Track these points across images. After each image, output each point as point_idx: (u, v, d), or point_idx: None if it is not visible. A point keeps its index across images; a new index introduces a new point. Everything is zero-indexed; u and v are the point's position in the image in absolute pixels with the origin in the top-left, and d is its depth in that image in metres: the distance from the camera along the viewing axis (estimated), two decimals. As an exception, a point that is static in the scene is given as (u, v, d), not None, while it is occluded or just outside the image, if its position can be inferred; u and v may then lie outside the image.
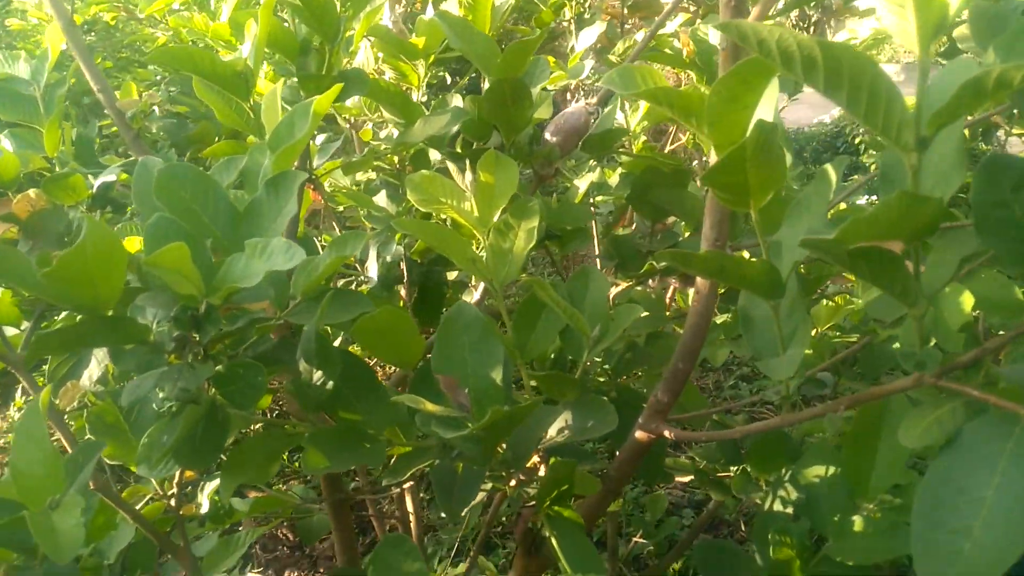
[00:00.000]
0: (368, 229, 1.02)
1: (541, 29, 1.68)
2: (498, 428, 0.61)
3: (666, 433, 0.80)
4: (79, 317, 0.56)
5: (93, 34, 3.99)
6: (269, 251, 0.53)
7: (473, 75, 1.58)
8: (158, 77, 3.14)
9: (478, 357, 0.64)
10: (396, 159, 1.13)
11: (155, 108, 1.06)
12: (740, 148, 0.53)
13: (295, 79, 0.90)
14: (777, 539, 0.81)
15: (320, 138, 1.35)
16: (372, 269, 1.12)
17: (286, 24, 0.89)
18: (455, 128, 0.96)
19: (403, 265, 1.10)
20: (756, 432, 0.70)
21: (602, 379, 0.99)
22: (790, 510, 0.86)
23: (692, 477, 1.16)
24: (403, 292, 1.14)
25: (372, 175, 1.26)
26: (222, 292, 0.55)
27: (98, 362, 0.77)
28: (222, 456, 0.68)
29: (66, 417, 0.72)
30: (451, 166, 0.85)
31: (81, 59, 0.93)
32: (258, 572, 2.41)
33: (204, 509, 0.75)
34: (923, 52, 0.38)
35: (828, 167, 0.59)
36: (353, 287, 1.20)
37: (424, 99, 1.25)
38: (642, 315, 0.73)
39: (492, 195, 0.86)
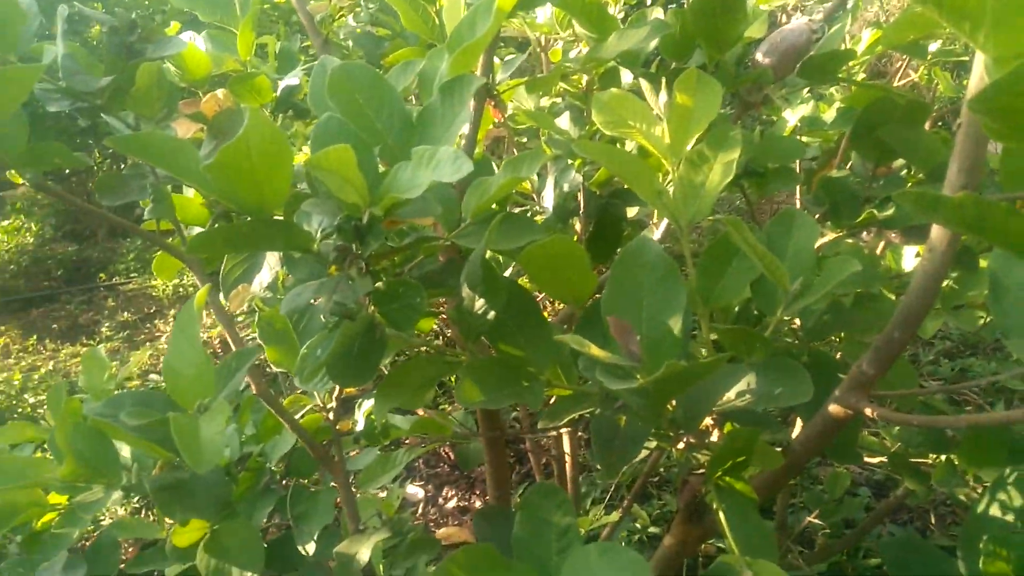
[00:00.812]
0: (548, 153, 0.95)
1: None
2: (671, 384, 0.54)
3: (867, 411, 0.69)
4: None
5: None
6: (436, 160, 0.48)
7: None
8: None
9: (656, 301, 0.56)
10: (584, 79, 1.05)
11: (350, 17, 1.04)
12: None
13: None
14: (991, 549, 0.69)
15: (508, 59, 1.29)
16: (548, 199, 1.06)
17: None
18: (652, 45, 0.86)
19: (580, 196, 1.03)
20: (983, 424, 0.58)
21: (791, 340, 0.88)
22: (1010, 517, 0.73)
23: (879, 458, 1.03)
24: (578, 226, 1.08)
25: (558, 99, 1.18)
26: (385, 202, 0.50)
27: (270, 268, 0.76)
28: (380, 375, 0.65)
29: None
30: (644, 84, 0.76)
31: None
32: (419, 485, 2.51)
33: (360, 426, 0.73)
34: None
35: None
36: (529, 215, 1.15)
37: (621, 16, 1.15)
38: (855, 271, 0.62)
39: (688, 120, 0.75)
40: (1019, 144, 0.46)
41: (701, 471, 0.65)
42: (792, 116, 1.02)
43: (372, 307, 0.59)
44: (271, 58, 1.18)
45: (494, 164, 1.03)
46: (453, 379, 0.79)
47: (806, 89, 1.05)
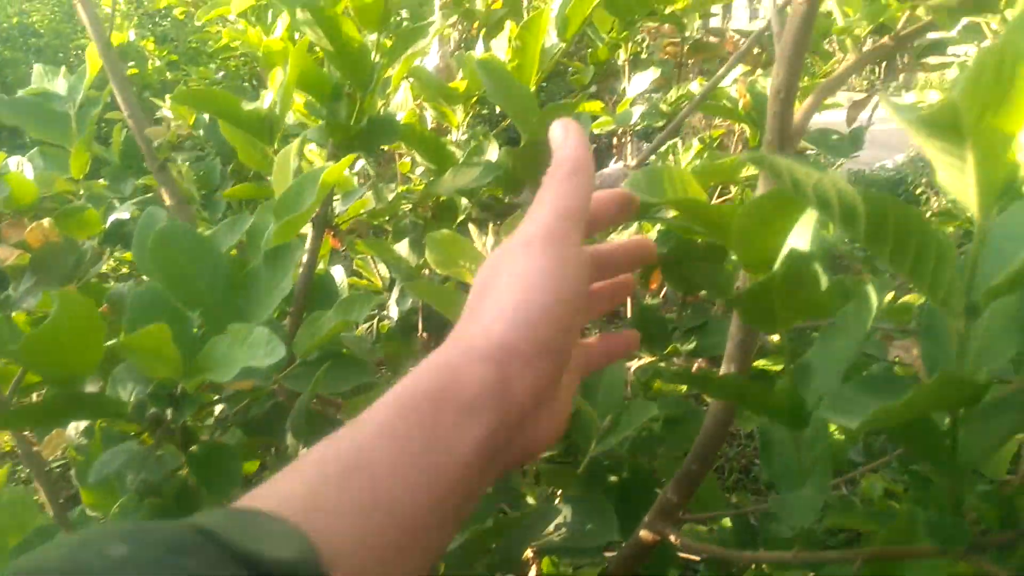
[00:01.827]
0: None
1: (596, 66, 1.63)
2: (483, 539, 0.57)
3: (672, 538, 0.75)
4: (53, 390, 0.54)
5: (167, 21, 4.07)
6: (251, 341, 0.50)
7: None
8: (220, 75, 3.19)
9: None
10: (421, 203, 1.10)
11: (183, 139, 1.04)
12: (768, 280, 0.48)
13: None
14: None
15: (359, 164, 1.33)
16: (393, 310, 1.09)
17: (321, 60, 0.86)
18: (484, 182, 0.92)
19: (419, 316, 1.06)
20: (766, 560, 0.65)
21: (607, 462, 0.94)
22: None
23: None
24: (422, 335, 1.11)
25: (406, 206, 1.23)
26: (198, 381, 0.52)
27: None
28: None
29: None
30: (471, 228, 0.81)
31: (115, 82, 0.92)
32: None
33: None
34: (983, 216, 0.32)
35: (870, 289, 0.54)
36: (375, 321, 1.18)
37: (464, 136, 1.21)
38: (653, 415, 0.68)
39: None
40: (768, 332, 0.54)
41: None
42: (619, 239, 1.10)
43: (185, 470, 0.59)
44: (115, 149, 1.16)
45: (336, 277, 1.05)
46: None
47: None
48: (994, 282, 0.35)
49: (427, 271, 1.00)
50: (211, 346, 0.53)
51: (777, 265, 0.49)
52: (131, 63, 3.20)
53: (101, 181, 1.06)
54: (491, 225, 0.85)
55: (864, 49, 0.74)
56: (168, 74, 3.27)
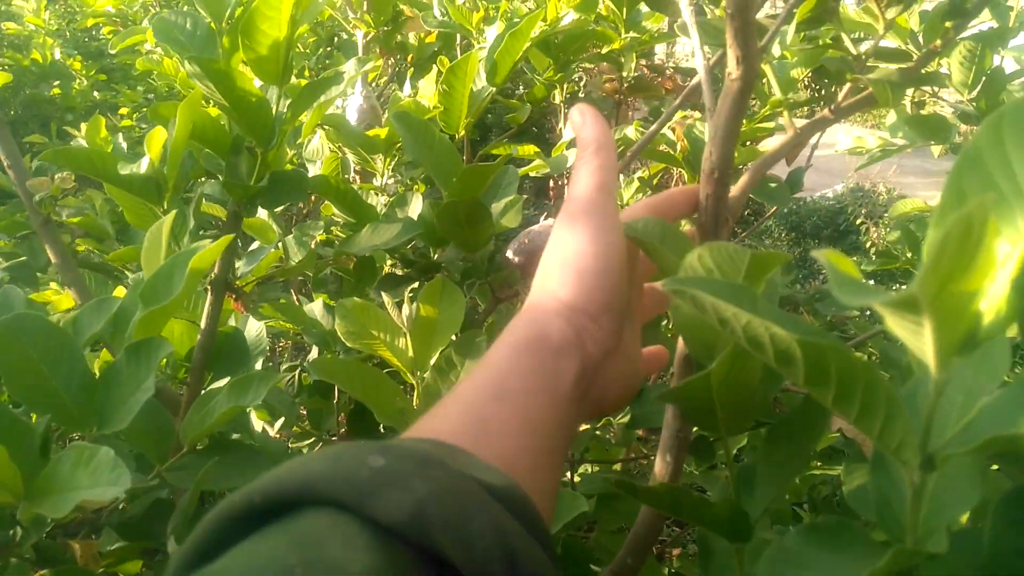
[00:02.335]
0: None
1: (533, 103, 1.58)
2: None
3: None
4: None
5: (97, 42, 3.91)
6: (95, 464, 0.42)
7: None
8: (149, 96, 3.06)
9: None
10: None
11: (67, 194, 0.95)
12: (704, 376, 0.43)
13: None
14: None
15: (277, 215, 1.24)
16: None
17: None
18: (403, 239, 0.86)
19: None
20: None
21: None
22: None
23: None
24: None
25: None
26: (29, 515, 0.44)
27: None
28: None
29: None
30: (385, 297, 0.75)
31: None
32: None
33: None
34: (940, 369, 0.27)
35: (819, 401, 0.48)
36: (297, 372, 1.09)
37: (391, 180, 1.15)
38: (584, 510, 0.62)
39: (432, 332, 0.75)
40: (710, 433, 0.48)
41: None
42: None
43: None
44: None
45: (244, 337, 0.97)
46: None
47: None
48: (950, 436, 0.30)
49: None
50: (52, 466, 0.45)
51: (716, 362, 0.43)
52: (56, 83, 3.06)
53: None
54: (406, 293, 0.79)
55: (798, 122, 0.70)
56: (96, 94, 3.13)
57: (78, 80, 3.16)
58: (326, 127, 0.97)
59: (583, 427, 0.91)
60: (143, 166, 0.65)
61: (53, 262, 0.85)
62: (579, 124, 0.45)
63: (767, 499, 0.50)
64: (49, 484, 0.44)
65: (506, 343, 0.39)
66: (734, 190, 0.63)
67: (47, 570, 0.49)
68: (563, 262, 0.41)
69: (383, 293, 0.75)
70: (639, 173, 1.58)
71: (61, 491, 0.43)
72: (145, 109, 2.45)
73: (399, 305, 0.74)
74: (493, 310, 0.89)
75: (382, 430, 1.08)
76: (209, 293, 0.78)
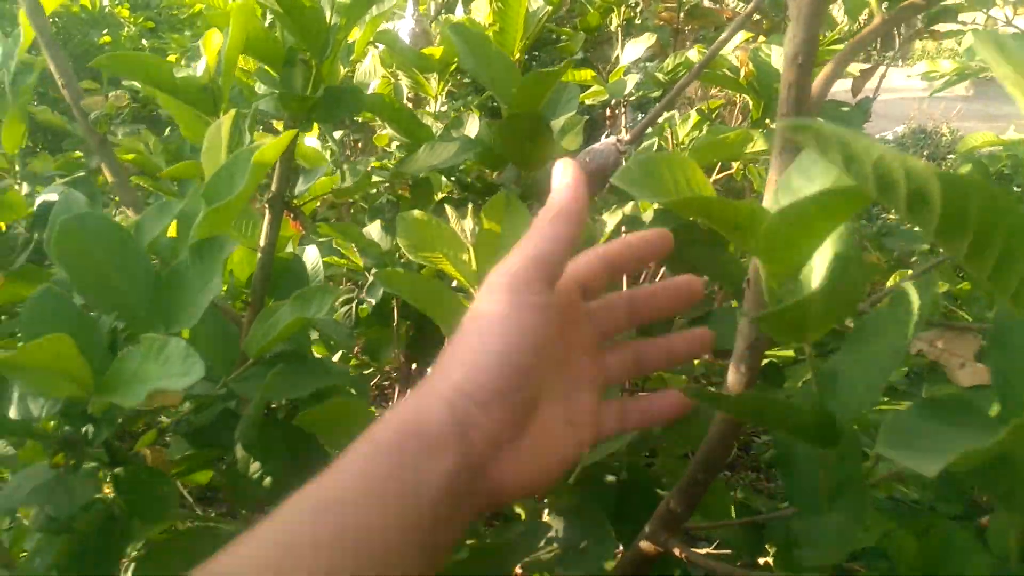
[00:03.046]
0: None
1: (587, 32, 1.53)
2: (473, 564, 0.49)
3: (676, 551, 0.67)
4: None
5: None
6: (165, 356, 0.41)
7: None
8: (196, 43, 3.06)
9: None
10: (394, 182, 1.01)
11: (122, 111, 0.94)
12: (805, 302, 0.40)
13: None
14: None
15: (337, 133, 1.23)
16: (371, 293, 1.00)
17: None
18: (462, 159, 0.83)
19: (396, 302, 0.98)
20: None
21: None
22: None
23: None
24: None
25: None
26: (114, 396, 0.43)
27: None
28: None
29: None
30: (448, 210, 0.72)
31: (46, 48, 0.82)
32: None
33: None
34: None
35: (910, 288, 0.45)
36: (354, 305, 1.09)
37: (443, 107, 1.12)
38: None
39: (496, 247, 0.72)
40: (793, 342, 0.45)
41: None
42: (611, 220, 1.01)
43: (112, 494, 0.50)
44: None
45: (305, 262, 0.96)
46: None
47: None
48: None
49: (401, 257, 0.92)
50: (121, 360, 0.44)
51: (819, 279, 0.40)
52: (104, 31, 3.07)
53: (45, 153, 0.97)
54: (471, 206, 0.77)
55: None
56: (144, 42, 3.14)
57: (127, 28, 3.17)
58: (379, 47, 0.94)
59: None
60: (199, 70, 0.63)
61: (110, 181, 0.84)
62: (555, 183, 0.40)
63: (854, 402, 0.47)
64: (119, 377, 0.43)
65: (370, 438, 0.34)
66: (817, 82, 0.59)
67: (120, 469, 0.49)
68: (465, 338, 0.37)
69: (447, 206, 0.73)
70: (697, 108, 1.52)
71: (132, 383, 0.42)
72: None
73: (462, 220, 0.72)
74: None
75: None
76: (267, 211, 0.77)
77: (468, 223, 0.72)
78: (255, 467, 0.58)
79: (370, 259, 0.88)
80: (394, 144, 1.19)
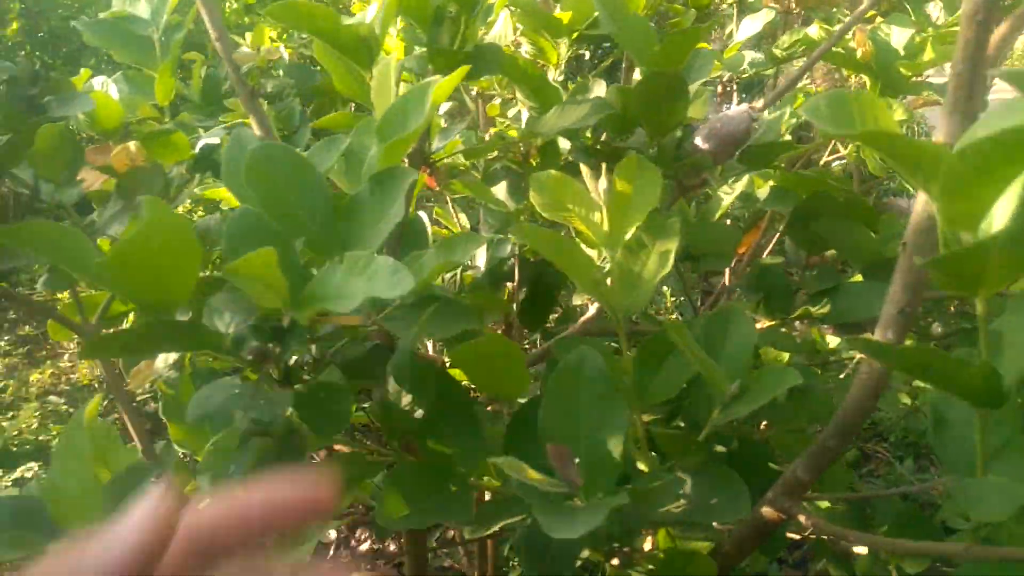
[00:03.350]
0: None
1: (697, 9, 1.52)
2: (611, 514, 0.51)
3: (802, 518, 0.68)
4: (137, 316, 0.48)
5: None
6: (372, 270, 0.44)
7: (618, 58, 1.45)
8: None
9: (595, 419, 0.53)
10: (523, 146, 1.03)
11: (275, 64, 0.98)
12: (986, 245, 0.40)
13: (422, 49, 0.81)
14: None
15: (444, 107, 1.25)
16: (481, 258, 1.02)
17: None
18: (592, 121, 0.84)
19: (515, 261, 1.00)
20: (928, 552, 0.57)
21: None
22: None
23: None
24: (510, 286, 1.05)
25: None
26: (310, 312, 0.46)
27: (177, 343, 0.70)
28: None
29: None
30: (584, 169, 0.74)
31: (202, 2, 0.87)
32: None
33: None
34: None
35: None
36: (459, 272, 1.11)
37: (560, 78, 1.13)
38: (796, 383, 0.60)
39: (628, 208, 0.74)
40: (964, 295, 0.45)
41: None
42: (727, 194, 1.01)
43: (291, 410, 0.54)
44: (195, 86, 1.12)
45: (426, 222, 0.99)
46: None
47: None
48: None
49: (523, 219, 0.94)
50: (323, 275, 0.47)
51: (1002, 221, 0.40)
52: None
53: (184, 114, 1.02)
54: (604, 166, 0.78)
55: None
56: (246, 19, 3.24)
57: (229, 2, 3.27)
58: (511, 9, 0.96)
59: (765, 323, 0.88)
60: (368, 14, 0.66)
61: (257, 134, 0.88)
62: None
63: (1020, 364, 0.47)
64: (321, 291, 0.46)
65: None
66: (994, 38, 0.58)
67: (300, 385, 0.53)
68: None
69: (582, 166, 0.74)
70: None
71: (337, 296, 0.45)
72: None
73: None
74: (679, 197, 0.87)
75: (550, 324, 1.10)
76: (406, 163, 0.80)
77: (603, 182, 0.74)
78: (407, 400, 0.61)
79: (494, 219, 0.90)
80: (510, 112, 1.22)
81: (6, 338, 3.91)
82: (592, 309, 0.92)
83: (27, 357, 3.80)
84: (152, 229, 0.42)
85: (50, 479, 0.46)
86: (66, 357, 3.86)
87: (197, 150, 0.76)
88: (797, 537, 1.28)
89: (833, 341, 1.07)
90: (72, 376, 3.64)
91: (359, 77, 0.75)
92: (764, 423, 0.88)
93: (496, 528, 0.60)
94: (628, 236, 0.72)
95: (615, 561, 0.59)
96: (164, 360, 0.69)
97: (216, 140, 0.75)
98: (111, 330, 0.62)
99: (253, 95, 0.88)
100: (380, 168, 0.52)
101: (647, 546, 0.68)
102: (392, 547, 2.42)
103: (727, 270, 1.19)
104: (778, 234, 1.00)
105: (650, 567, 0.60)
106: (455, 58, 0.74)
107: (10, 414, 3.25)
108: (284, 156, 0.53)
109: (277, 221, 0.52)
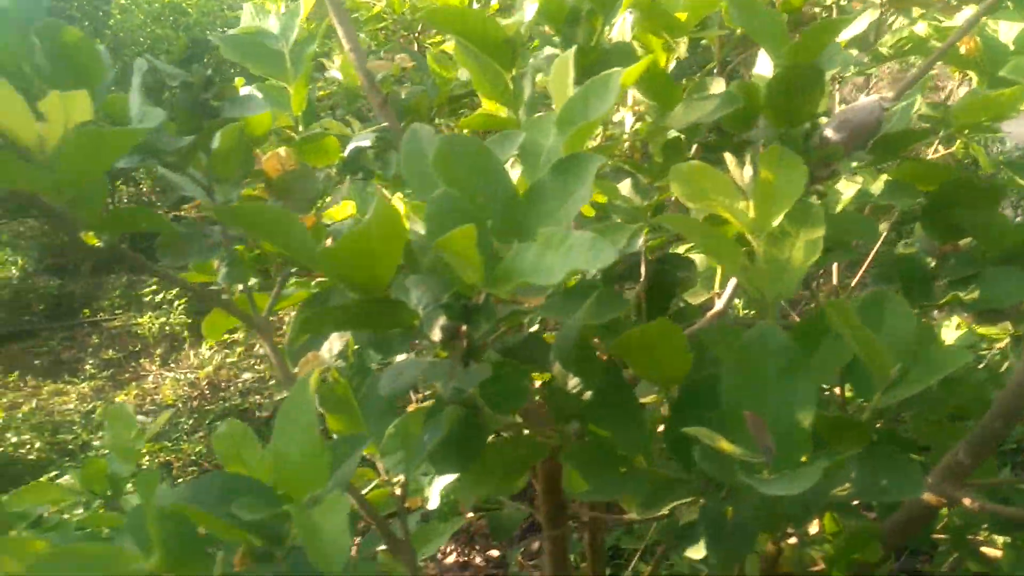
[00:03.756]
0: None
1: (789, 13, 1.52)
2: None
3: (966, 501, 0.67)
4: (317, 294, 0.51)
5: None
6: (568, 245, 0.45)
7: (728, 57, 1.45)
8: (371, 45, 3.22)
9: (783, 393, 0.53)
10: (629, 146, 1.04)
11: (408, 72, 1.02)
12: None
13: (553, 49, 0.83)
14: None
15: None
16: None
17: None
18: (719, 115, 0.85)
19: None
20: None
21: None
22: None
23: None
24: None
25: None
26: (509, 285, 0.48)
27: (339, 335, 0.73)
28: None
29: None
30: (728, 158, 0.75)
31: (335, 14, 0.91)
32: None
33: (433, 505, 0.69)
34: None
35: None
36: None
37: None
38: (966, 361, 0.60)
39: (774, 196, 0.74)
40: None
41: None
42: (847, 189, 1.01)
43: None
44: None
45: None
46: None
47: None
48: None
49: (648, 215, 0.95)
50: (518, 253, 0.49)
51: None
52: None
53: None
54: (748, 154, 0.79)
55: None
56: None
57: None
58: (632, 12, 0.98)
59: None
60: (527, 12, 0.69)
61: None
62: None
63: None
64: (517, 267, 0.48)
65: None
66: None
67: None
68: None
69: (726, 155, 0.75)
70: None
71: (537, 271, 0.46)
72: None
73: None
74: (807, 189, 0.87)
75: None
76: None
77: (748, 171, 0.74)
78: (573, 382, 0.63)
79: (621, 215, 0.91)
80: (615, 116, 1.23)
81: (91, 362, 4.08)
82: (719, 304, 0.92)
83: (111, 380, 3.96)
84: (375, 222, 0.45)
85: (272, 448, 0.48)
86: (149, 379, 4.00)
87: (347, 153, 0.79)
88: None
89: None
90: (156, 397, 3.77)
91: (497, 77, 0.78)
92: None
93: (665, 510, 0.61)
94: (775, 223, 0.73)
95: (792, 540, 0.59)
96: (329, 350, 0.72)
97: (366, 143, 0.78)
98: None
99: (386, 103, 0.92)
100: (565, 154, 0.54)
101: (813, 529, 0.67)
102: (478, 560, 2.43)
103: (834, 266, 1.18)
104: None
105: (821, 550, 0.60)
106: (591, 55, 0.77)
107: (100, 433, 3.38)
108: (469, 146, 0.55)
109: (461, 205, 0.55)
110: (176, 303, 4.31)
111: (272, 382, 3.45)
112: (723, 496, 0.59)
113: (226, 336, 3.81)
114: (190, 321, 4.18)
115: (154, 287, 4.49)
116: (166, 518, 0.51)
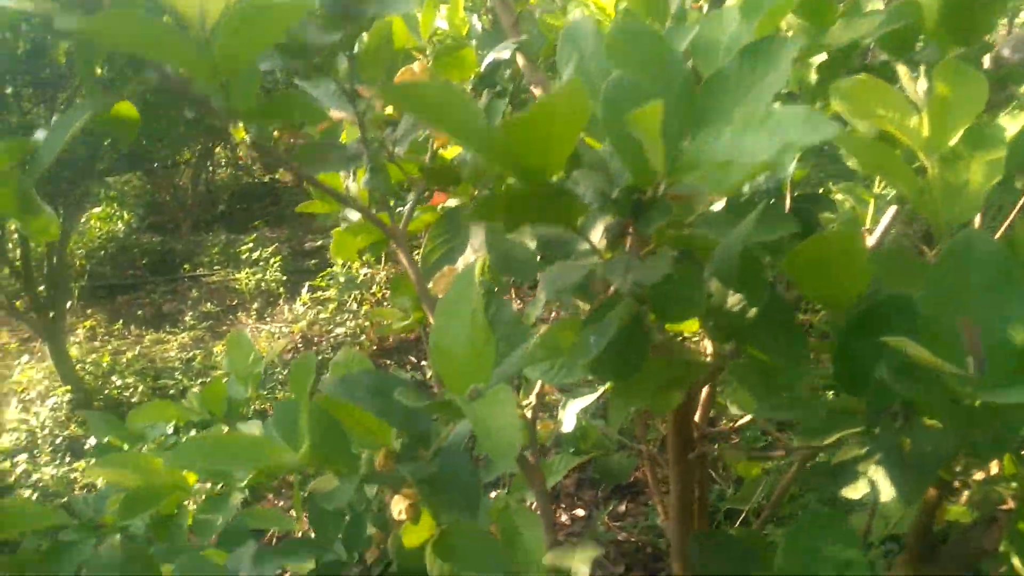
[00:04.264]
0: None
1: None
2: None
3: None
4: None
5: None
6: (776, 120, 0.41)
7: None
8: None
9: (990, 304, 0.48)
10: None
11: None
12: None
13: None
14: None
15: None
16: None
17: None
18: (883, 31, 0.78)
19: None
20: None
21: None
22: None
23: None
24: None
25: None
26: (697, 173, 0.44)
27: (473, 250, 0.71)
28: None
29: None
30: (902, 71, 0.68)
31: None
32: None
33: (567, 428, 0.66)
34: None
35: None
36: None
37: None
38: None
39: (950, 113, 0.68)
40: None
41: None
42: (1012, 125, 0.92)
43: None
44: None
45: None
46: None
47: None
48: None
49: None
50: (704, 139, 0.45)
51: None
52: None
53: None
54: (923, 67, 0.72)
55: None
56: None
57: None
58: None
59: None
60: None
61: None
62: None
63: None
64: (703, 157, 0.44)
65: None
66: None
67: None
68: None
69: (899, 67, 0.69)
70: None
71: (729, 157, 0.42)
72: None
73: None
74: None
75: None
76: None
77: (921, 84, 0.68)
78: (733, 299, 0.58)
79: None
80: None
81: (190, 314, 4.24)
82: (873, 239, 0.86)
83: (209, 331, 4.11)
84: (565, 95, 0.42)
85: (434, 342, 0.46)
86: (246, 332, 4.14)
87: (483, 67, 0.76)
88: None
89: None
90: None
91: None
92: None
93: (828, 441, 0.56)
94: (952, 142, 0.66)
95: (979, 475, 0.53)
96: (464, 264, 0.69)
97: (506, 54, 0.75)
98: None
99: (517, 24, 0.88)
100: (755, 38, 0.49)
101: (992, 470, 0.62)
102: (564, 518, 2.42)
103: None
104: None
105: (1010, 489, 0.54)
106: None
107: (199, 380, 3.51)
108: (644, 33, 0.52)
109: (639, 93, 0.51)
110: (272, 260, 4.43)
111: (363, 338, 3.50)
112: (899, 427, 0.54)
113: (319, 293, 3.89)
114: (285, 278, 4.29)
115: (251, 245, 4.62)
116: (315, 412, 0.49)
